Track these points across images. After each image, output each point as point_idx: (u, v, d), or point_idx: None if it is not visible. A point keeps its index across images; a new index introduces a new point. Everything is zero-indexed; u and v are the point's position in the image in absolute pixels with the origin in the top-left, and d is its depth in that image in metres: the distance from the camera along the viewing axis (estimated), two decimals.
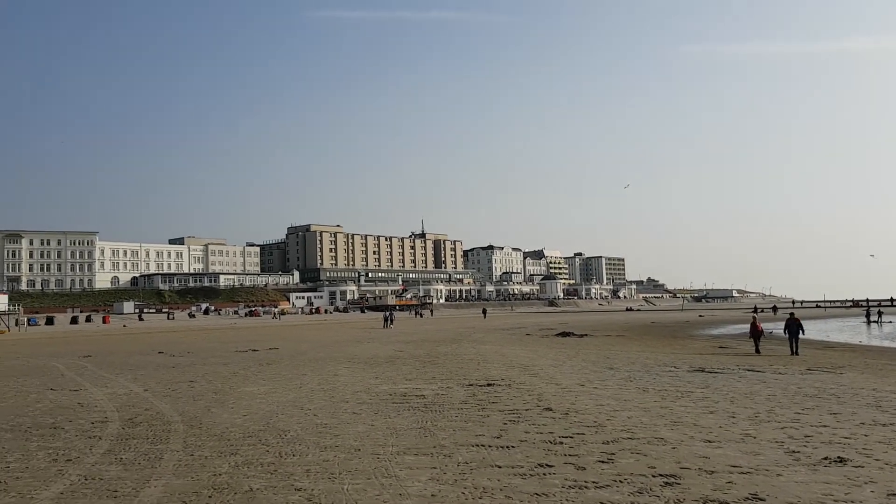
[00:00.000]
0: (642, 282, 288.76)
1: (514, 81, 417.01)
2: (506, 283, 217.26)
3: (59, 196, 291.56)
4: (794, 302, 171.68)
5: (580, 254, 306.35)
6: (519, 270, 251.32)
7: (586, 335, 42.51)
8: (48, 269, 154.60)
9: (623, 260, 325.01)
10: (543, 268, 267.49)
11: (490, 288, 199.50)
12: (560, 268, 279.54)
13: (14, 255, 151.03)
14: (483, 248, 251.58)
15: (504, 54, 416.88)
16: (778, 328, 37.92)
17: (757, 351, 27.52)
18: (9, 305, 71.33)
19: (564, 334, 42.47)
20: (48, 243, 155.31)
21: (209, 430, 11.04)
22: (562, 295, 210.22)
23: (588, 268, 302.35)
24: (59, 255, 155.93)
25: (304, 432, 10.66)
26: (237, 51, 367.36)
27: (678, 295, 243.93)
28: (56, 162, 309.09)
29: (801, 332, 27.51)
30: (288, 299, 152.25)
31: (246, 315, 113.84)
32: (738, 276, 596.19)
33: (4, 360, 28.14)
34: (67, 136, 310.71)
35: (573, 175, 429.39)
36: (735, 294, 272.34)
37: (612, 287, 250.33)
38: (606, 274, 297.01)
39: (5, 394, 16.28)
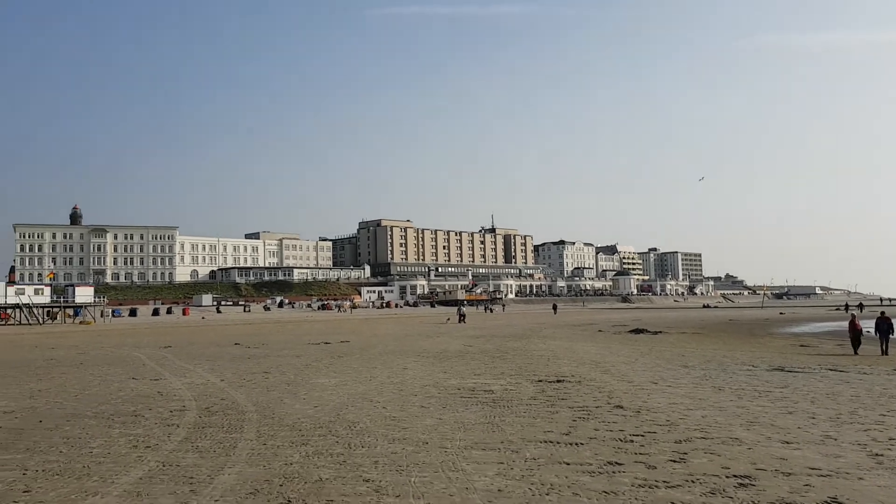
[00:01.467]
0: (720, 278, 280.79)
1: (580, 75, 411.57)
2: (577, 278, 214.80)
3: (141, 192, 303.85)
4: (881, 300, 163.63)
5: (655, 249, 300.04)
6: (591, 266, 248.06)
7: (660, 332, 41.62)
8: (131, 263, 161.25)
9: (700, 255, 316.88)
10: (616, 263, 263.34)
11: (561, 283, 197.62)
12: (634, 263, 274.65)
13: (99, 249, 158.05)
14: (554, 243, 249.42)
15: (571, 48, 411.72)
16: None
17: (856, 352, 26.16)
18: (94, 297, 74.56)
19: (637, 331, 41.72)
20: (131, 237, 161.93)
21: (281, 420, 11.30)
22: (635, 291, 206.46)
23: (663, 263, 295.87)
24: (141, 249, 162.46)
25: (373, 424, 10.79)
26: (306, 47, 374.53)
27: (758, 292, 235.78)
28: (139, 159, 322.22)
29: (892, 331, 26.21)
30: (359, 293, 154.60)
31: (318, 308, 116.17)
32: (820, 273, 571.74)
33: (90, 350, 29.51)
34: (149, 137, 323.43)
35: (647, 169, 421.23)
36: (818, 291, 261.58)
37: (688, 283, 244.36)
38: (682, 270, 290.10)
39: (90, 382, 17.07)
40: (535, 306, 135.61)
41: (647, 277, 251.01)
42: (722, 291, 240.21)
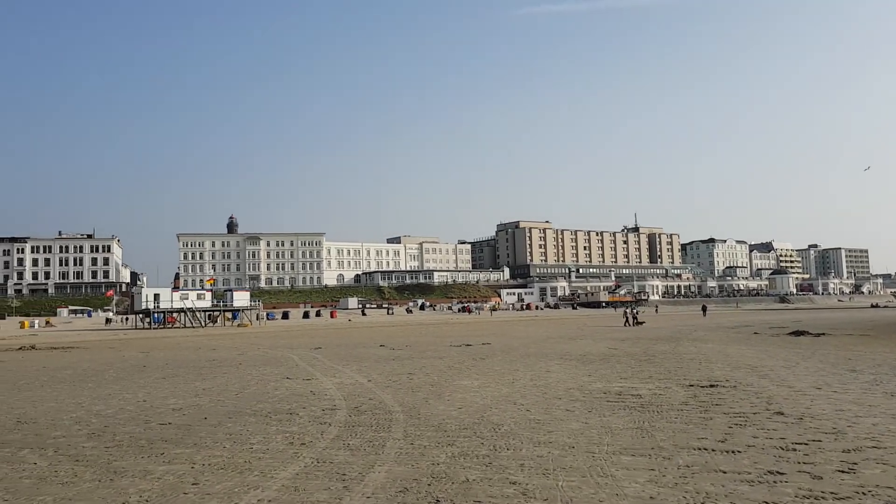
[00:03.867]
0: (890, 275, 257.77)
1: (730, 64, 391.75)
2: (729, 277, 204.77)
3: (290, 201, 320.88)
4: None
5: (815, 245, 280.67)
6: (744, 264, 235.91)
7: (823, 334, 38.67)
8: (282, 268, 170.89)
9: (866, 251, 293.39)
10: (772, 261, 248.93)
11: (711, 283, 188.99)
12: (791, 261, 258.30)
13: (254, 255, 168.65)
14: (703, 242, 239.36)
15: (724, 35, 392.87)
16: None
17: None
18: (250, 301, 79.31)
19: (797, 333, 38.98)
20: (282, 244, 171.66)
21: (427, 420, 11.47)
22: (794, 290, 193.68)
23: (825, 260, 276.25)
24: (291, 255, 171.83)
25: (517, 427, 10.71)
26: (443, 51, 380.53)
27: None
28: (286, 170, 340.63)
29: None
30: (498, 295, 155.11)
31: (458, 311, 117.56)
32: None
33: (248, 351, 31.38)
34: (293, 148, 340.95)
35: (803, 160, 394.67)
36: None
37: (853, 281, 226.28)
38: (847, 267, 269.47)
39: (249, 382, 18.13)
40: (683, 308, 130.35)
41: (806, 276, 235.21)
42: (893, 290, 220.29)
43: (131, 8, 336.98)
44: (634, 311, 58.47)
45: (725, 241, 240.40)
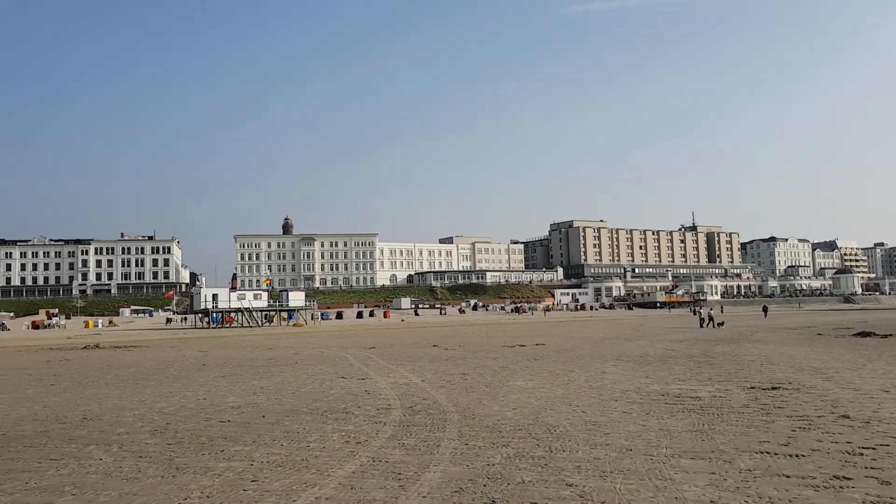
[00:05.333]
0: None
1: (774, 64, 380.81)
2: (791, 277, 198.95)
3: (344, 202, 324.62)
4: None
5: (882, 244, 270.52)
6: (806, 264, 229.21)
7: (891, 335, 37.25)
8: (336, 269, 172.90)
9: None
10: (836, 260, 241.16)
11: (773, 283, 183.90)
12: (857, 260, 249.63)
13: (308, 256, 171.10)
14: (763, 240, 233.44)
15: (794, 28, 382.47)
16: None
17: None
18: (305, 302, 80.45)
19: (864, 334, 37.63)
20: (336, 245, 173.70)
21: (481, 421, 11.44)
22: (859, 290, 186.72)
23: (892, 259, 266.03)
24: (345, 256, 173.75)
25: (573, 429, 10.60)
26: (495, 51, 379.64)
27: None
28: (338, 171, 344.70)
29: None
30: (552, 295, 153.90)
31: (511, 311, 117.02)
32: None
33: (303, 350, 31.85)
34: (344, 150, 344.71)
35: (870, 153, 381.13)
36: None
37: None
38: None
39: (305, 381, 18.38)
40: (743, 308, 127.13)
41: (872, 275, 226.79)
42: None
43: (189, 13, 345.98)
44: (711, 310, 55.37)
45: (787, 239, 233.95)
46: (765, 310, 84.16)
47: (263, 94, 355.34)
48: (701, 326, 48.21)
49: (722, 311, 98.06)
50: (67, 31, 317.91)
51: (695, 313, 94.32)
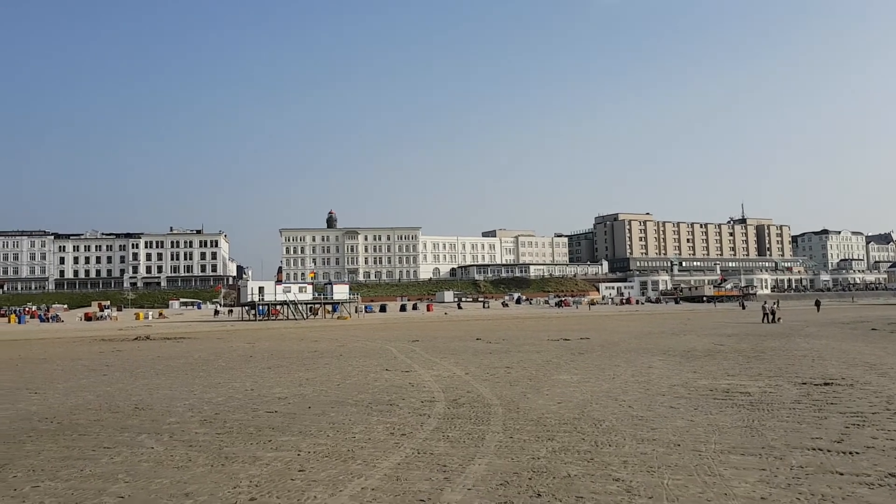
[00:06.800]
0: None
1: (833, 51, 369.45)
2: (844, 271, 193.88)
3: (388, 195, 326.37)
4: None
5: None
6: (860, 257, 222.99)
7: None
8: (380, 262, 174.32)
9: None
10: (891, 253, 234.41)
11: (825, 277, 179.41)
12: None
13: (352, 249, 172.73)
14: (815, 233, 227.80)
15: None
16: None
17: None
18: (349, 294, 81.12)
19: None
20: (379, 238, 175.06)
21: (526, 414, 11.39)
22: None
23: None
24: (388, 249, 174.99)
25: (619, 423, 10.49)
26: (535, 46, 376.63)
27: None
28: (386, 166, 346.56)
29: None
30: (597, 289, 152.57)
31: (555, 305, 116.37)
32: None
33: (347, 343, 32.12)
34: (395, 146, 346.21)
35: None
36: None
37: None
38: None
39: (350, 373, 18.55)
40: (794, 302, 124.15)
41: None
42: None
43: (231, 12, 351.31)
44: (776, 304, 53.77)
45: (840, 232, 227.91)
46: (817, 304, 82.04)
47: (310, 90, 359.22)
48: (763, 322, 46.61)
49: (777, 304, 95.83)
50: (125, 25, 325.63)
51: (743, 307, 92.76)
